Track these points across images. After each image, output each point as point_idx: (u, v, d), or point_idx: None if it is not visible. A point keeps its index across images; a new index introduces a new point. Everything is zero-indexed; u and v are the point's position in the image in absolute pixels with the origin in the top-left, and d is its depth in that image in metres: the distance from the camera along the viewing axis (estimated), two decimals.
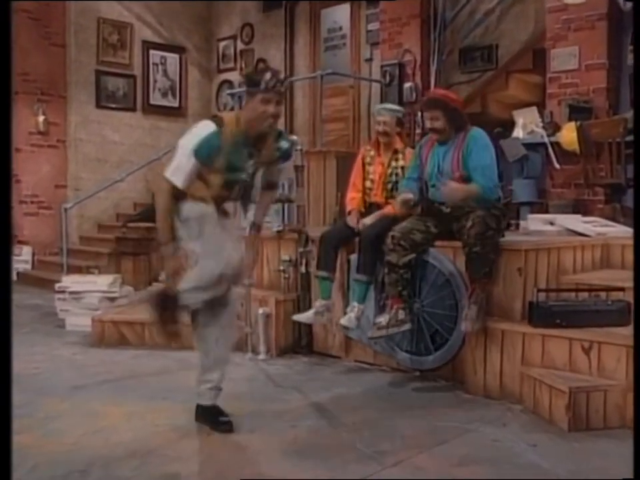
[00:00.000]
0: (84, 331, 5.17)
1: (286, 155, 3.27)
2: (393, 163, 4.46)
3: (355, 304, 4.14)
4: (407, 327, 3.85)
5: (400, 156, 4.46)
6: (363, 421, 3.29)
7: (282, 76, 3.06)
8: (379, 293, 4.16)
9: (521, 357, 3.58)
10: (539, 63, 6.44)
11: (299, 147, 4.79)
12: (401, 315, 3.83)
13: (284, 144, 3.21)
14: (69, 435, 3.08)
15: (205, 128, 2.99)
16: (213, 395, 3.17)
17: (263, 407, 3.48)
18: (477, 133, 3.91)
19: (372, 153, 4.57)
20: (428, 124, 3.96)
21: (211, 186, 3.03)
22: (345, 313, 4.19)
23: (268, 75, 2.96)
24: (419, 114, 7.10)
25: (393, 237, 3.83)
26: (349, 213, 4.49)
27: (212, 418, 3.14)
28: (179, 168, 2.98)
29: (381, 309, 4.07)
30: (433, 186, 3.97)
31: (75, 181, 8.79)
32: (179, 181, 2.97)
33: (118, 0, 9.06)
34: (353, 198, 4.55)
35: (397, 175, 4.43)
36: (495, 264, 3.78)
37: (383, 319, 3.85)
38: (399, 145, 4.52)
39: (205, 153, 2.96)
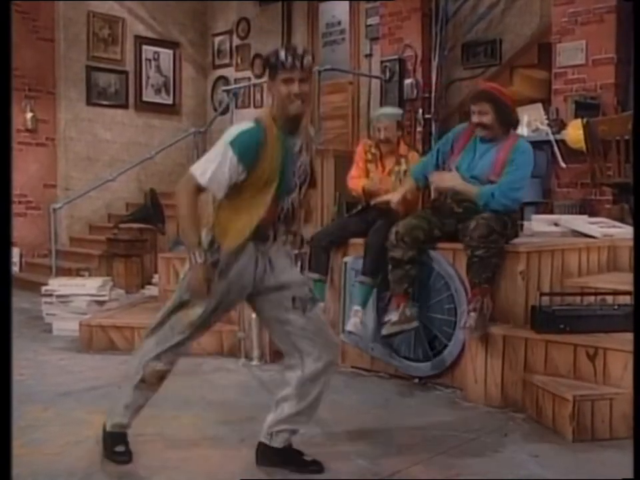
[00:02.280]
0: (71, 336, 5.10)
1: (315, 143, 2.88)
2: (396, 168, 4.34)
3: (358, 308, 4.08)
4: (415, 324, 3.78)
5: (403, 160, 4.34)
6: (358, 430, 3.23)
7: (300, 50, 2.62)
8: (382, 298, 4.08)
9: (523, 364, 3.52)
10: (545, 58, 6.34)
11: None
12: (408, 312, 3.75)
13: (311, 131, 2.84)
14: (50, 445, 3.02)
15: (242, 124, 2.63)
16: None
17: (255, 415, 3.32)
18: (525, 145, 3.82)
19: (374, 151, 4.44)
20: (475, 118, 3.78)
21: (256, 206, 2.59)
22: (349, 317, 4.11)
23: (282, 53, 2.59)
24: (420, 111, 7.02)
25: (397, 232, 3.75)
26: (364, 192, 4.36)
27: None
28: (212, 163, 2.55)
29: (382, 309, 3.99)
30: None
31: (65, 181, 8.63)
32: (209, 180, 2.54)
33: None
34: (355, 177, 4.47)
35: (400, 180, 4.32)
36: (498, 269, 3.68)
37: (392, 316, 3.77)
38: (402, 150, 4.41)
39: (244, 149, 2.53)
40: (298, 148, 2.67)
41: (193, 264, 2.56)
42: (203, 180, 2.55)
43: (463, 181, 3.76)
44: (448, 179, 3.83)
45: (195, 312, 2.68)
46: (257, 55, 9.14)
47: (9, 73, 2.26)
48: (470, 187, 3.73)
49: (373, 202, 4.25)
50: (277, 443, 2.78)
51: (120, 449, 2.85)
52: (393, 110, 4.80)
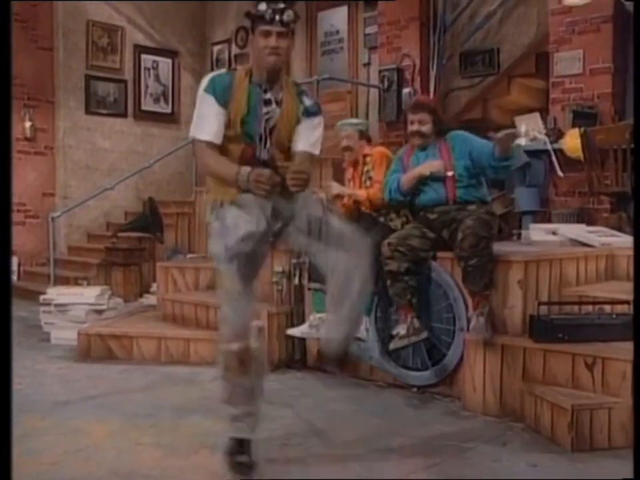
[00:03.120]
0: (69, 345, 5.08)
1: (310, 112, 2.75)
2: (365, 168, 4.44)
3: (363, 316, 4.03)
4: (424, 335, 3.79)
5: (368, 159, 4.44)
6: (356, 439, 3.21)
7: (281, 5, 2.61)
8: (380, 306, 4.08)
9: (521, 373, 3.50)
10: (542, 67, 6.36)
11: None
12: (417, 323, 3.76)
13: (306, 100, 2.77)
14: (47, 454, 2.99)
15: (216, 72, 2.78)
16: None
17: None
18: (459, 132, 4.03)
19: (351, 169, 4.61)
20: (415, 127, 3.96)
21: (231, 156, 2.65)
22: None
23: (263, 4, 2.59)
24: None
25: (389, 244, 3.77)
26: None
27: None
28: (200, 117, 2.65)
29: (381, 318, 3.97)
30: (420, 190, 3.96)
31: (64, 189, 8.61)
32: (205, 133, 2.63)
33: (109, 0, 8.87)
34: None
35: (369, 178, 4.39)
36: (494, 274, 3.68)
37: (401, 329, 3.78)
38: (367, 150, 4.52)
39: (217, 87, 2.63)
40: (267, 97, 2.69)
41: (247, 173, 2.53)
42: (204, 135, 2.64)
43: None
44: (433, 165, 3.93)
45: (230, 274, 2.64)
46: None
47: (9, 82, 2.25)
48: (433, 163, 3.91)
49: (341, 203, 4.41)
50: None
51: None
52: (355, 120, 5.06)
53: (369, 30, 7.95)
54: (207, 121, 2.64)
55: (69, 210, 7.85)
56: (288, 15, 2.59)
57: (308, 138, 2.74)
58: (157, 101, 9.46)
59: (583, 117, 5.70)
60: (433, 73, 7.18)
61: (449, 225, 3.81)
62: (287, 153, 2.74)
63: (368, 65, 8.00)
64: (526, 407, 3.41)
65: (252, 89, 2.67)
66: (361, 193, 4.36)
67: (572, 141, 5.46)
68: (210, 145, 2.64)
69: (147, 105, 9.35)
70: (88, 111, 8.78)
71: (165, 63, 9.50)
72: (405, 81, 7.24)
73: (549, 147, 5.75)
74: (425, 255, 3.85)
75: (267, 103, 2.69)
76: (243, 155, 2.67)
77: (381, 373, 4.14)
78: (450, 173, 3.86)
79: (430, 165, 3.92)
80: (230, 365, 2.68)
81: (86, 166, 8.74)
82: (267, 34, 2.60)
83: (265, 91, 2.69)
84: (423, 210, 3.97)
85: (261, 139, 2.68)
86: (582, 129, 5.34)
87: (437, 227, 3.87)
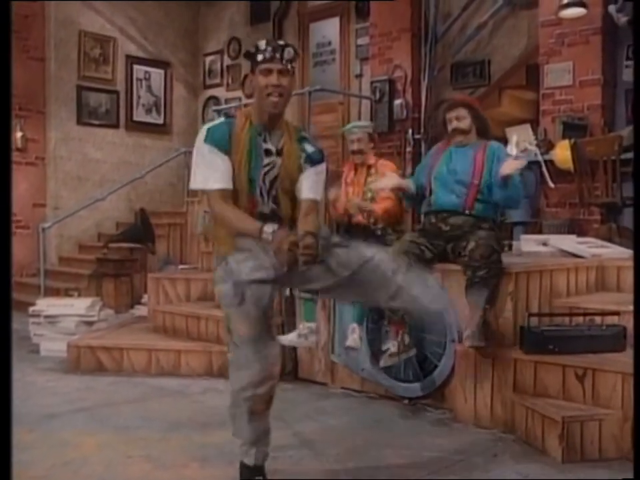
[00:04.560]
0: (59, 357, 5.05)
1: (313, 161, 2.65)
2: (369, 179, 4.41)
3: (355, 325, 4.08)
4: (413, 352, 3.78)
5: (373, 171, 4.42)
6: (347, 451, 3.19)
7: (282, 42, 2.58)
8: (371, 317, 4.07)
9: (512, 384, 3.50)
10: (533, 78, 6.36)
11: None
12: (407, 339, 3.74)
13: (308, 147, 2.66)
14: (36, 467, 2.97)
15: (212, 122, 2.65)
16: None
17: None
18: (499, 145, 3.92)
19: (352, 173, 4.56)
20: (453, 124, 3.88)
21: (236, 193, 2.55)
22: (347, 334, 4.10)
23: (263, 43, 2.53)
24: (410, 131, 7.04)
25: (392, 250, 3.68)
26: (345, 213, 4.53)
27: None
28: (204, 167, 2.53)
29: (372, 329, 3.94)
30: (439, 187, 3.88)
31: (55, 200, 8.58)
32: (215, 181, 2.51)
33: (100, 0, 8.89)
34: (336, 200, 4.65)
35: (371, 190, 4.43)
36: (497, 288, 3.65)
37: (391, 346, 3.75)
38: (371, 160, 4.50)
39: (216, 137, 2.52)
40: (268, 147, 2.60)
41: (271, 232, 2.43)
42: (215, 184, 2.52)
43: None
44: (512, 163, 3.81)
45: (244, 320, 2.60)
46: (248, 75, 9.15)
47: (8, 92, 2.22)
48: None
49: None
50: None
51: None
52: (363, 122, 5.05)
53: (360, 41, 7.96)
54: (213, 169, 2.52)
55: (60, 220, 7.84)
56: (288, 53, 2.54)
57: (312, 186, 2.64)
58: (149, 111, 9.46)
59: (573, 129, 5.71)
60: (424, 84, 7.18)
61: (458, 239, 3.72)
62: (292, 201, 2.65)
63: (360, 76, 8.01)
64: (517, 419, 3.40)
65: (253, 137, 2.57)
66: (378, 208, 4.34)
67: (562, 153, 5.47)
68: (223, 193, 2.52)
69: (139, 115, 9.35)
70: (80, 122, 8.77)
71: (157, 74, 9.50)
72: (397, 92, 7.24)
73: (540, 158, 5.74)
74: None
75: (268, 153, 2.60)
76: (247, 208, 2.57)
77: (372, 385, 4.13)
78: (476, 181, 3.78)
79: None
80: (256, 409, 2.66)
81: (77, 176, 8.72)
82: (268, 72, 2.53)
83: (265, 140, 2.60)
84: (436, 216, 3.86)
85: (262, 191, 2.59)
86: (572, 141, 5.36)
87: (446, 239, 3.79)
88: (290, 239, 2.39)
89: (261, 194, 2.59)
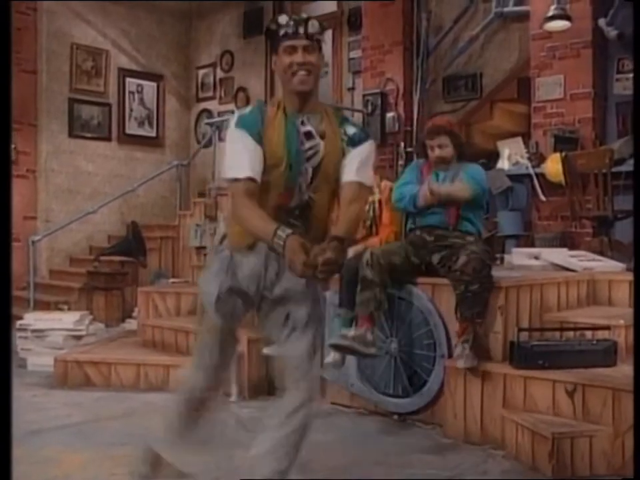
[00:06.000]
0: (46, 372, 4.97)
1: (355, 141, 2.34)
2: (370, 198, 4.33)
3: None
4: (373, 351, 3.63)
5: (375, 190, 4.35)
6: (335, 468, 3.14)
7: (304, 16, 2.33)
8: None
9: (502, 400, 3.46)
10: (524, 92, 6.39)
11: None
12: (369, 336, 3.60)
13: (350, 129, 2.36)
14: None
15: (239, 111, 2.41)
16: None
17: (231, 454, 3.21)
18: (475, 166, 3.97)
19: None
20: (436, 152, 3.86)
21: (265, 198, 2.27)
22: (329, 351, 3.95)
23: (284, 18, 2.28)
24: (402, 145, 7.04)
25: (372, 253, 3.69)
26: None
27: None
28: (234, 154, 2.27)
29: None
30: (425, 208, 3.88)
31: (45, 213, 8.53)
32: (242, 169, 2.23)
33: (93, 3, 8.83)
34: None
35: (373, 209, 4.31)
36: (487, 303, 3.62)
37: (349, 332, 3.64)
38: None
39: (248, 123, 2.27)
40: (307, 129, 2.31)
41: (283, 240, 2.12)
42: (240, 172, 2.24)
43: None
44: (442, 186, 3.84)
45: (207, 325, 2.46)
46: (241, 88, 9.18)
47: (8, 104, 2.17)
48: (459, 185, 3.80)
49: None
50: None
51: None
52: None
53: (353, 54, 7.99)
54: (241, 156, 2.25)
55: (51, 233, 7.80)
56: (313, 26, 2.27)
57: (358, 168, 2.32)
58: (141, 124, 9.44)
59: (565, 142, 5.73)
60: (416, 98, 7.21)
61: (443, 249, 3.75)
62: (333, 194, 2.39)
63: (352, 89, 8.02)
64: (507, 435, 3.36)
65: (288, 122, 2.30)
66: (375, 243, 4.26)
67: (553, 166, 5.50)
68: (247, 186, 2.23)
69: (132, 128, 9.32)
70: (71, 135, 8.74)
71: (149, 87, 9.49)
72: (389, 105, 7.26)
73: (531, 171, 5.78)
74: (403, 277, 3.79)
75: (308, 136, 2.30)
76: (278, 201, 2.30)
77: (362, 400, 4.09)
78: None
79: (457, 188, 3.83)
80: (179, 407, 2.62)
81: (68, 189, 8.68)
82: (292, 50, 2.26)
83: (303, 123, 2.31)
84: (421, 230, 3.90)
85: (302, 180, 2.30)
86: (563, 154, 5.37)
87: (430, 249, 3.80)
88: (301, 256, 2.08)
89: (300, 184, 2.30)
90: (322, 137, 2.31)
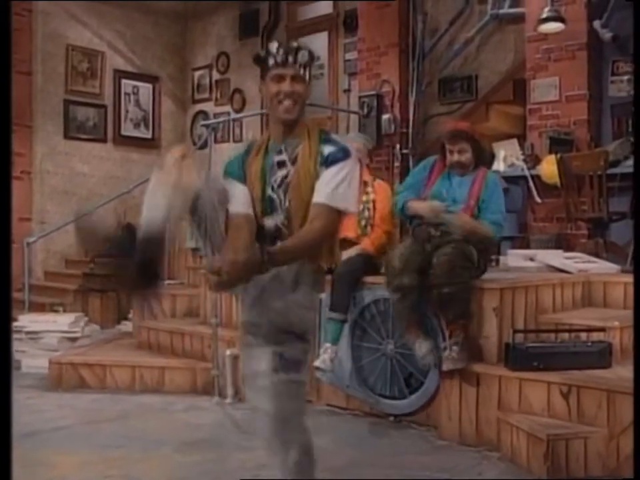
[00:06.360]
0: (41, 374, 4.99)
1: (329, 161, 2.27)
2: (364, 197, 4.32)
3: (328, 344, 4.00)
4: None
5: (370, 189, 4.35)
6: (330, 470, 3.08)
7: (295, 45, 2.31)
8: (356, 334, 4.03)
9: (497, 402, 3.47)
10: (519, 93, 6.38)
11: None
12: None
13: (327, 148, 2.29)
14: None
15: (231, 154, 2.52)
16: None
17: (227, 455, 3.34)
18: (496, 176, 3.91)
19: None
20: (455, 157, 3.79)
21: (257, 210, 2.36)
22: (320, 353, 4.00)
23: (274, 45, 2.27)
24: (398, 146, 7.04)
25: (401, 254, 3.58)
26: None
27: None
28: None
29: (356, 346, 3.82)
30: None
31: (40, 214, 8.49)
32: (232, 206, 2.33)
33: (88, 4, 8.78)
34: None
35: (368, 209, 4.30)
36: (472, 303, 3.60)
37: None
38: (367, 176, 4.44)
39: (230, 169, 2.41)
40: (281, 159, 2.34)
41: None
42: (230, 209, 2.32)
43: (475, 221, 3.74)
44: (466, 221, 3.73)
45: None
46: (236, 90, 9.17)
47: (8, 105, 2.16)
48: (483, 225, 3.71)
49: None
50: None
51: None
52: (365, 136, 5.03)
53: (348, 56, 7.96)
54: (233, 199, 2.33)
55: (46, 235, 7.77)
56: (302, 56, 2.27)
57: (325, 188, 2.24)
58: (137, 126, 9.41)
59: (560, 144, 5.72)
60: (412, 99, 7.19)
61: (445, 245, 3.63)
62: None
63: (348, 91, 8.00)
64: (502, 436, 3.37)
65: (269, 155, 2.36)
66: (367, 244, 4.24)
67: (549, 167, 5.49)
68: (232, 218, 2.30)
69: (127, 130, 9.29)
70: (67, 136, 8.70)
71: (145, 88, 9.46)
72: (385, 107, 7.24)
73: (527, 172, 5.78)
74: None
75: (281, 165, 2.34)
76: (259, 228, 2.36)
77: (358, 402, 4.09)
78: (470, 211, 3.73)
79: (432, 207, 3.73)
80: None
81: (64, 191, 8.63)
82: (280, 78, 2.26)
83: (280, 152, 2.34)
84: (427, 224, 3.76)
85: (278, 205, 2.34)
86: (558, 155, 5.37)
87: (434, 244, 3.69)
88: (215, 262, 2.10)
89: (275, 209, 2.34)
90: (293, 162, 2.32)
